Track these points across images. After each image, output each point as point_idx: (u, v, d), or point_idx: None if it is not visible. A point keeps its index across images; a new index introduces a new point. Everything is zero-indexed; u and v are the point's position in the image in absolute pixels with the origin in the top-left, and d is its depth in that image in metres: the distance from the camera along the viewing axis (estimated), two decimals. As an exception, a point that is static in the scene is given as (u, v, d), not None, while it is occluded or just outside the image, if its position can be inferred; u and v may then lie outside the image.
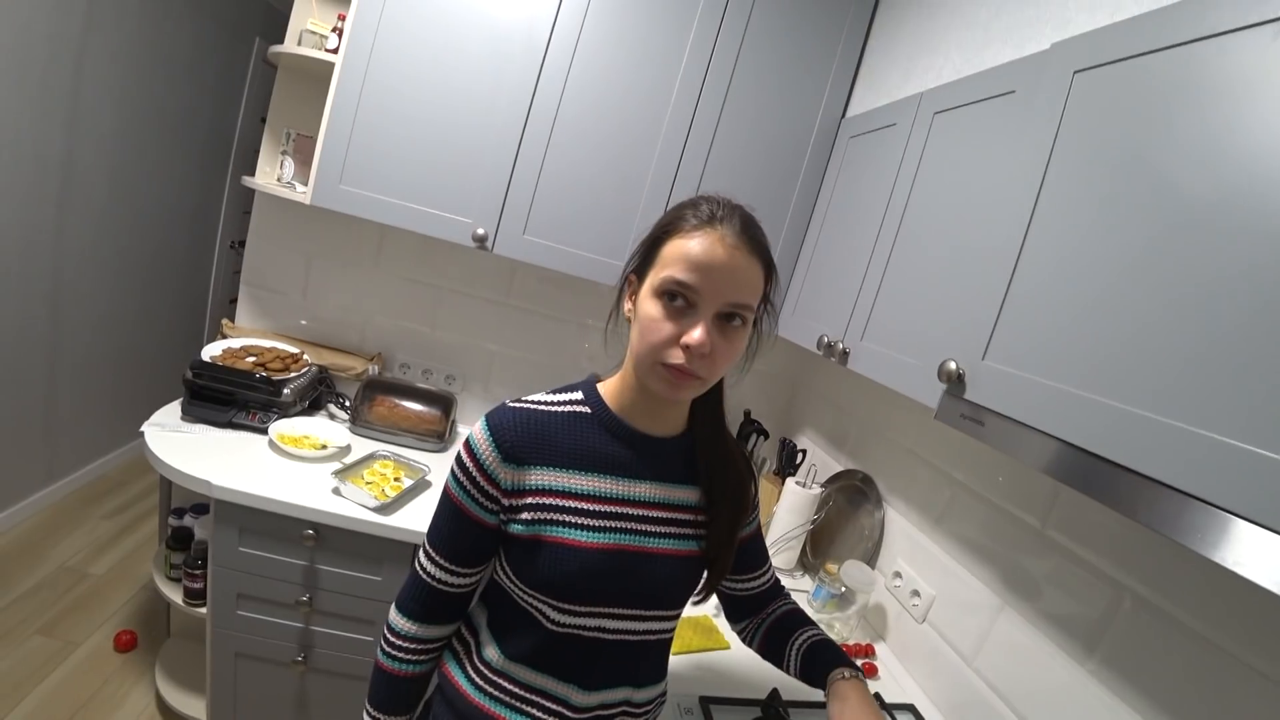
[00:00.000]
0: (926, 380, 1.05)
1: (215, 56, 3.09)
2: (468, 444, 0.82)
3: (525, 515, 0.80)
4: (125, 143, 2.76)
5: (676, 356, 0.75)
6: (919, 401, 1.08)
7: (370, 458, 1.71)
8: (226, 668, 1.64)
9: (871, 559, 1.59)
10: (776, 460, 1.89)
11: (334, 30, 1.76)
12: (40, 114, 2.33)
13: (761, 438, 1.98)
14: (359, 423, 1.88)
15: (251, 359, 1.82)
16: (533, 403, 0.84)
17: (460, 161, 1.65)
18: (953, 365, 0.96)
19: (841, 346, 1.36)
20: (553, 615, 0.82)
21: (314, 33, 1.81)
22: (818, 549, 1.74)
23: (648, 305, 0.77)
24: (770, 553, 1.69)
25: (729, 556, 0.92)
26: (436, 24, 1.60)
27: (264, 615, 1.58)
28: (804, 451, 1.88)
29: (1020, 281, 0.91)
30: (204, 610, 1.60)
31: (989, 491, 1.31)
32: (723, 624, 1.40)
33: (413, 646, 0.88)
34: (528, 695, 0.85)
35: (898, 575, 1.49)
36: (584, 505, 0.81)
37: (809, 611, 1.50)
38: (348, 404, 1.96)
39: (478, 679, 0.87)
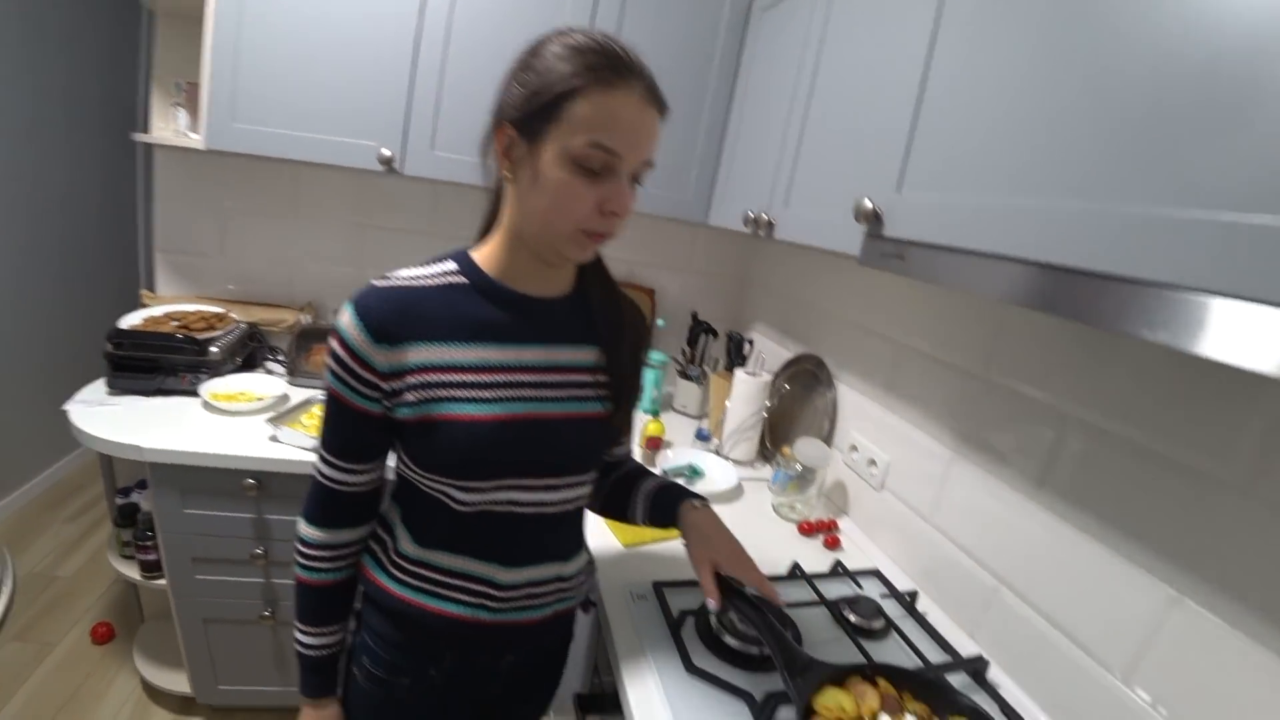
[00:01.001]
0: (848, 228, 1.00)
1: (101, 19, 2.86)
2: (336, 332, 0.76)
3: (409, 397, 0.75)
4: (11, 127, 2.53)
5: (598, 223, 0.72)
6: (845, 254, 1.03)
7: (307, 403, 1.66)
8: (198, 635, 1.61)
9: (829, 438, 1.58)
10: (725, 355, 1.86)
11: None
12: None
13: (710, 337, 1.94)
14: (296, 374, 1.81)
15: (175, 323, 1.74)
16: (401, 279, 0.78)
17: (355, 80, 1.55)
18: (868, 203, 0.91)
19: (766, 218, 1.31)
20: (458, 496, 0.79)
21: (178, -37, 1.67)
22: (776, 439, 1.72)
23: (557, 173, 0.70)
24: (728, 447, 1.71)
25: (631, 415, 0.91)
26: (307, -67, 1.49)
27: (223, 576, 1.55)
28: (750, 341, 1.85)
29: (929, 102, 0.86)
30: (164, 581, 1.56)
31: (933, 348, 1.28)
32: (682, 517, 1.38)
33: (325, 554, 0.85)
34: (450, 580, 0.83)
35: (854, 448, 1.48)
36: (470, 378, 0.76)
37: (769, 497, 1.49)
38: (283, 358, 1.89)
39: (398, 573, 0.84)
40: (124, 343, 1.63)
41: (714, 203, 1.69)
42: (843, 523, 1.47)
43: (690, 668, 0.93)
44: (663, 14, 1.64)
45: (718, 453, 1.69)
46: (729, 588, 0.88)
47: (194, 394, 1.64)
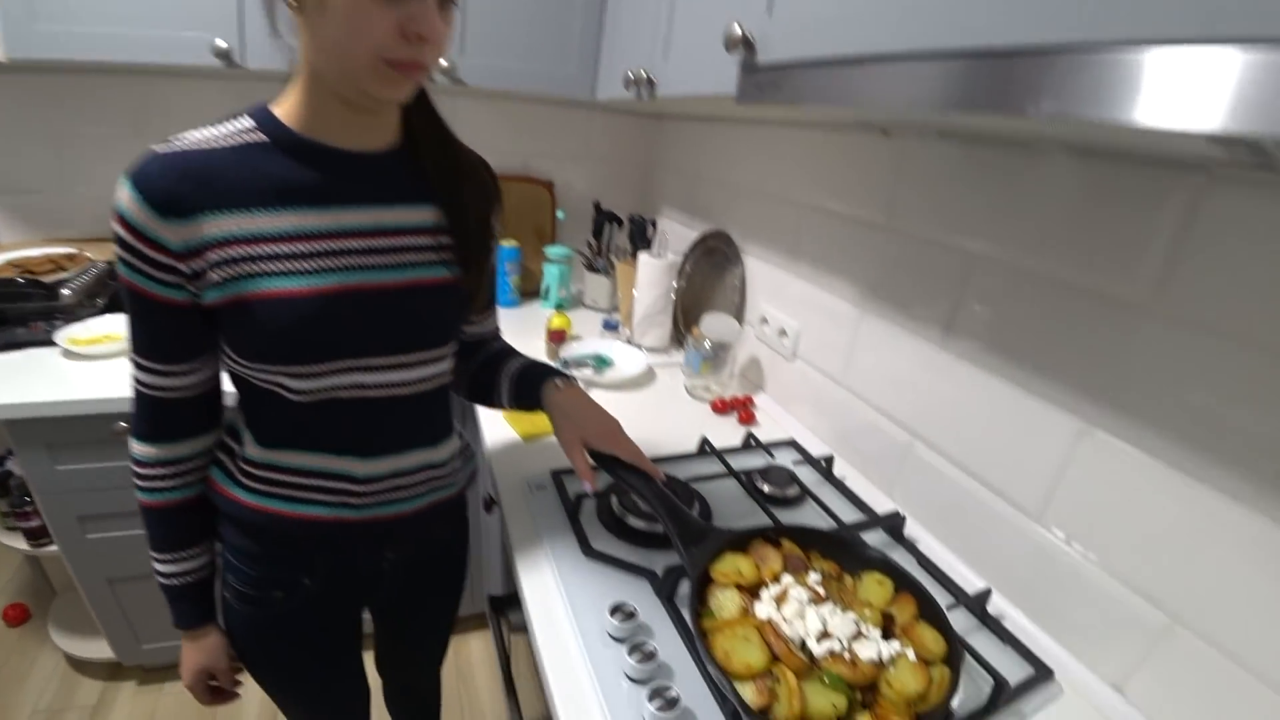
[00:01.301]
0: (723, 66, 0.90)
1: None
2: (116, 214, 0.63)
3: (213, 276, 0.65)
4: None
5: (402, 49, 0.60)
6: (724, 95, 0.93)
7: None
8: (105, 597, 1.51)
9: (740, 314, 1.52)
10: (629, 242, 1.77)
11: None
12: None
13: (616, 226, 1.84)
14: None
15: (17, 269, 1.55)
16: (188, 141, 0.65)
17: None
18: (738, 29, 0.81)
19: (645, 75, 1.19)
20: (293, 385, 0.69)
21: None
22: (690, 323, 1.65)
23: None
24: (638, 334, 1.64)
25: (482, 277, 0.82)
26: None
27: (116, 531, 1.44)
28: (653, 223, 1.76)
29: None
30: (56, 548, 1.45)
31: (835, 204, 1.21)
32: (592, 410, 1.32)
33: (161, 471, 0.75)
34: (304, 481, 0.75)
35: (764, 321, 1.43)
36: (283, 248, 0.66)
37: (683, 380, 1.44)
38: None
39: (247, 480, 0.76)
40: (-45, 297, 1.44)
41: (600, 75, 1.54)
42: (759, 398, 1.43)
43: (588, 551, 0.89)
44: None
45: (629, 342, 1.62)
46: (611, 465, 0.82)
47: (50, 343, 1.47)
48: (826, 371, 1.25)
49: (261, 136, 0.67)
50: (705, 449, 1.17)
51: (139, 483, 0.76)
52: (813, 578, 0.76)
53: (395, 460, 0.79)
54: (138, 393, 0.73)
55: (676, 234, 1.81)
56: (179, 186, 0.62)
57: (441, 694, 1.33)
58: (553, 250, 1.84)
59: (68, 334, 1.47)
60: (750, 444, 1.21)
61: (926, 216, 1.01)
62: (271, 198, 0.66)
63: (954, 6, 0.52)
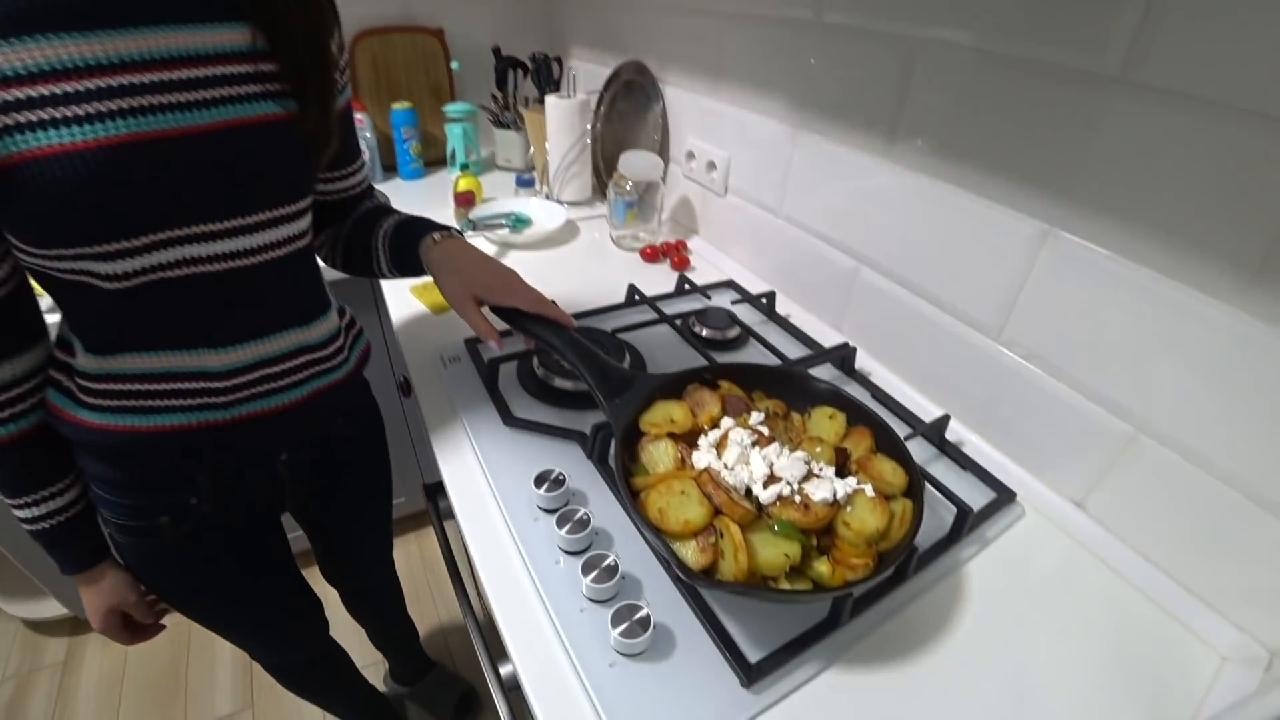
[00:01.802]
0: None
1: None
2: None
3: None
4: None
5: None
6: None
7: None
8: (36, 555, 1.39)
9: (664, 152, 1.37)
10: (535, 87, 1.57)
11: None
12: None
13: (520, 74, 1.62)
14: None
15: None
16: None
17: None
18: None
19: None
20: (103, 270, 0.54)
21: None
22: (611, 170, 1.50)
23: None
24: (556, 188, 1.48)
25: (325, 112, 0.64)
26: None
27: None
28: (558, 60, 1.55)
29: None
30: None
31: (758, 6, 1.04)
32: (509, 275, 1.19)
33: None
34: (151, 388, 0.62)
35: (690, 156, 1.28)
36: (52, 90, 0.48)
37: (610, 233, 1.31)
38: None
39: (87, 398, 0.62)
40: None
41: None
42: (692, 242, 1.32)
43: (510, 420, 0.79)
44: None
45: (547, 198, 1.46)
46: (514, 318, 0.71)
47: None
48: (762, 203, 1.13)
49: None
50: (635, 298, 1.06)
51: None
52: (755, 418, 0.68)
53: (258, 346, 0.65)
54: None
55: (589, 73, 1.60)
56: None
57: (401, 587, 1.28)
58: (452, 108, 1.62)
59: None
60: (684, 289, 1.10)
61: (861, 5, 0.86)
62: (28, 21, 0.47)
63: None
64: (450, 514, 0.74)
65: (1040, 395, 0.75)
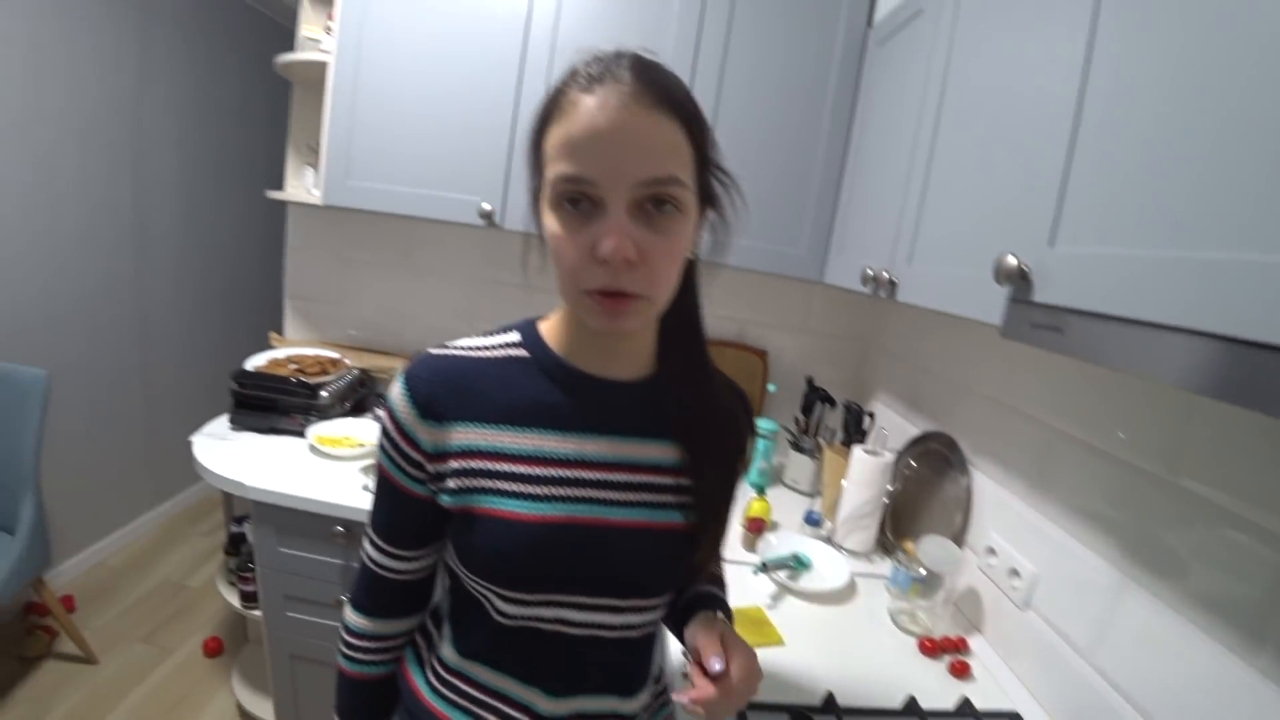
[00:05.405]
0: (986, 291, 0.81)
1: (260, 93, 3.18)
2: (385, 405, 0.68)
3: (451, 483, 0.65)
4: (188, 186, 2.90)
5: (596, 278, 0.56)
6: (984, 322, 0.85)
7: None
8: (284, 669, 1.62)
9: (960, 535, 1.33)
10: (842, 429, 1.66)
11: (325, 30, 1.75)
12: (108, 169, 2.48)
13: (828, 406, 1.74)
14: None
15: (293, 366, 1.81)
16: (459, 348, 0.68)
17: (458, 139, 1.60)
18: (1012, 260, 0.73)
19: (888, 276, 1.13)
20: (500, 605, 0.66)
21: (310, 38, 1.82)
22: (899, 529, 1.48)
23: (549, 222, 0.59)
24: (841, 534, 1.49)
25: (720, 530, 0.73)
26: (419, 6, 1.57)
27: (310, 616, 1.54)
28: (871, 414, 1.63)
29: (1089, 126, 0.68)
30: (259, 613, 1.60)
31: (1094, 436, 1.03)
32: (776, 616, 1.19)
33: (370, 645, 0.76)
34: (485, 699, 0.70)
35: (991, 551, 1.23)
36: (519, 469, 0.64)
37: (886, 601, 1.27)
38: (389, 404, 1.92)
39: (434, 680, 0.73)
40: (246, 382, 1.70)
41: (830, 258, 1.52)
42: (974, 642, 1.21)
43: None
44: (768, 52, 1.54)
45: (829, 540, 1.48)
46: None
47: (302, 435, 1.67)
48: (1069, 638, 1.03)
49: (524, 353, 0.68)
50: (913, 709, 0.98)
51: (346, 651, 0.77)
52: None
53: (581, 702, 0.71)
54: (365, 567, 0.75)
55: (893, 425, 1.67)
56: (440, 391, 0.65)
57: None
58: (761, 424, 1.78)
59: (317, 431, 1.66)
60: (964, 712, 1.00)
61: (1227, 482, 0.81)
62: (519, 415, 0.66)
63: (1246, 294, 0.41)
64: None
65: None
